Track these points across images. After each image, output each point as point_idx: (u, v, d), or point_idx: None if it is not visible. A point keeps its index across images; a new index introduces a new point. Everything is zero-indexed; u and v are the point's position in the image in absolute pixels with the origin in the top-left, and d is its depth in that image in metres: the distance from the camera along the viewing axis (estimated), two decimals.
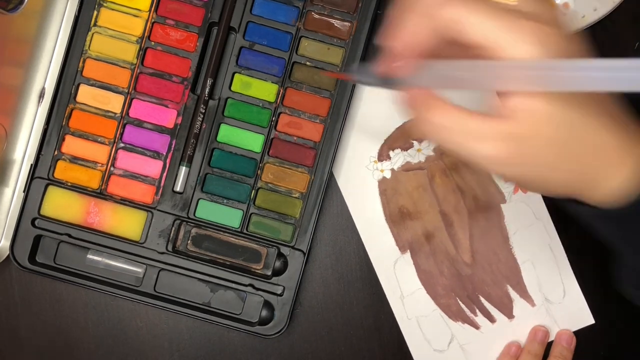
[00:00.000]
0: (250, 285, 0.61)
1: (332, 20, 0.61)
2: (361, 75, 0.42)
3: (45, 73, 0.62)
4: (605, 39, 0.63)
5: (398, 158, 0.63)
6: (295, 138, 0.61)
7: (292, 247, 0.61)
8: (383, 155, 0.63)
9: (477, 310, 0.63)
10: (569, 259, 0.63)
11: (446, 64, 0.37)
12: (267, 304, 0.61)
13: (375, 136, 0.63)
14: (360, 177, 0.63)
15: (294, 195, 0.61)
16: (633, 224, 0.41)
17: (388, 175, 0.63)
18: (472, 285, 0.63)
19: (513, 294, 0.63)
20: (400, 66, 0.38)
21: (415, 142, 0.63)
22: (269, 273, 0.62)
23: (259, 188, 0.61)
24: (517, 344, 0.63)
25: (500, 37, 0.34)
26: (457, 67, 0.36)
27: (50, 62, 0.62)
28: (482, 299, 0.63)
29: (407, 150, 0.63)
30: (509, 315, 0.63)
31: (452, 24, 0.35)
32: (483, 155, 0.37)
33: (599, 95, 0.37)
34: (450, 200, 0.63)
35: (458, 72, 0.36)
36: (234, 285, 0.61)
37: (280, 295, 0.61)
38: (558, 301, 0.63)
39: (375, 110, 0.63)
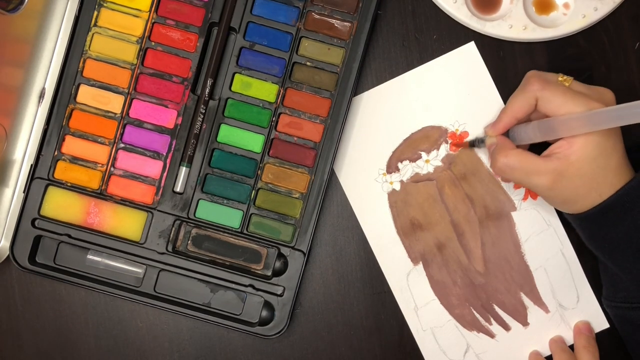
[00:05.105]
0: (251, 285, 0.61)
1: (333, 21, 0.61)
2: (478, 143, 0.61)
3: (46, 73, 0.62)
4: (605, 39, 0.63)
5: (407, 169, 0.63)
6: (295, 138, 0.61)
7: (292, 248, 0.61)
8: (392, 167, 0.63)
9: (492, 319, 0.63)
10: (581, 264, 0.63)
11: (526, 125, 0.56)
12: (268, 305, 0.61)
13: (382, 148, 0.63)
14: (370, 190, 0.63)
15: (294, 196, 0.61)
16: (593, 225, 0.55)
17: (397, 187, 0.63)
18: (486, 294, 0.63)
19: (527, 301, 0.63)
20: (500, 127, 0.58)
21: (423, 153, 0.63)
22: (269, 273, 0.62)
23: (259, 188, 0.61)
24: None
25: (562, 106, 0.53)
26: (533, 126, 0.55)
27: (51, 62, 0.62)
28: (496, 308, 0.63)
29: (415, 162, 0.63)
30: (524, 322, 0.63)
31: (538, 100, 0.55)
32: (536, 184, 0.55)
33: (616, 140, 0.54)
34: (461, 210, 0.63)
35: (533, 131, 0.55)
36: (234, 286, 0.61)
37: (281, 295, 0.61)
38: (572, 306, 0.63)
39: (381, 122, 0.63)
